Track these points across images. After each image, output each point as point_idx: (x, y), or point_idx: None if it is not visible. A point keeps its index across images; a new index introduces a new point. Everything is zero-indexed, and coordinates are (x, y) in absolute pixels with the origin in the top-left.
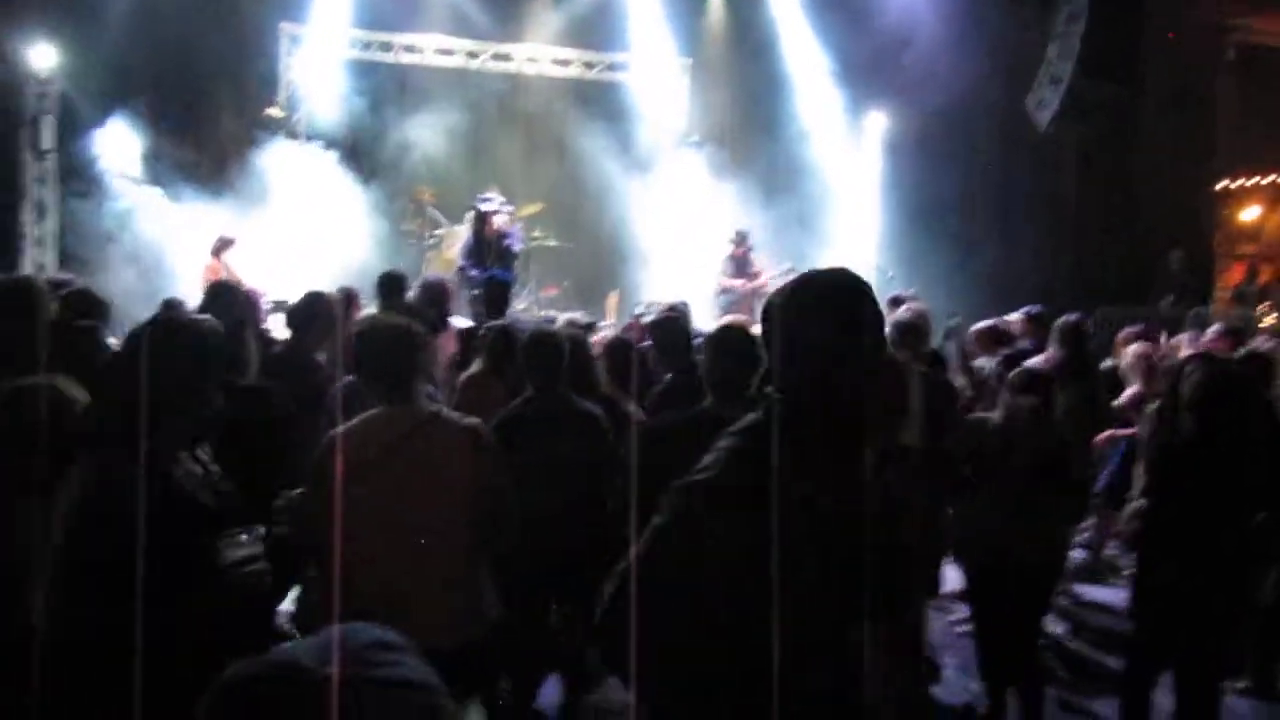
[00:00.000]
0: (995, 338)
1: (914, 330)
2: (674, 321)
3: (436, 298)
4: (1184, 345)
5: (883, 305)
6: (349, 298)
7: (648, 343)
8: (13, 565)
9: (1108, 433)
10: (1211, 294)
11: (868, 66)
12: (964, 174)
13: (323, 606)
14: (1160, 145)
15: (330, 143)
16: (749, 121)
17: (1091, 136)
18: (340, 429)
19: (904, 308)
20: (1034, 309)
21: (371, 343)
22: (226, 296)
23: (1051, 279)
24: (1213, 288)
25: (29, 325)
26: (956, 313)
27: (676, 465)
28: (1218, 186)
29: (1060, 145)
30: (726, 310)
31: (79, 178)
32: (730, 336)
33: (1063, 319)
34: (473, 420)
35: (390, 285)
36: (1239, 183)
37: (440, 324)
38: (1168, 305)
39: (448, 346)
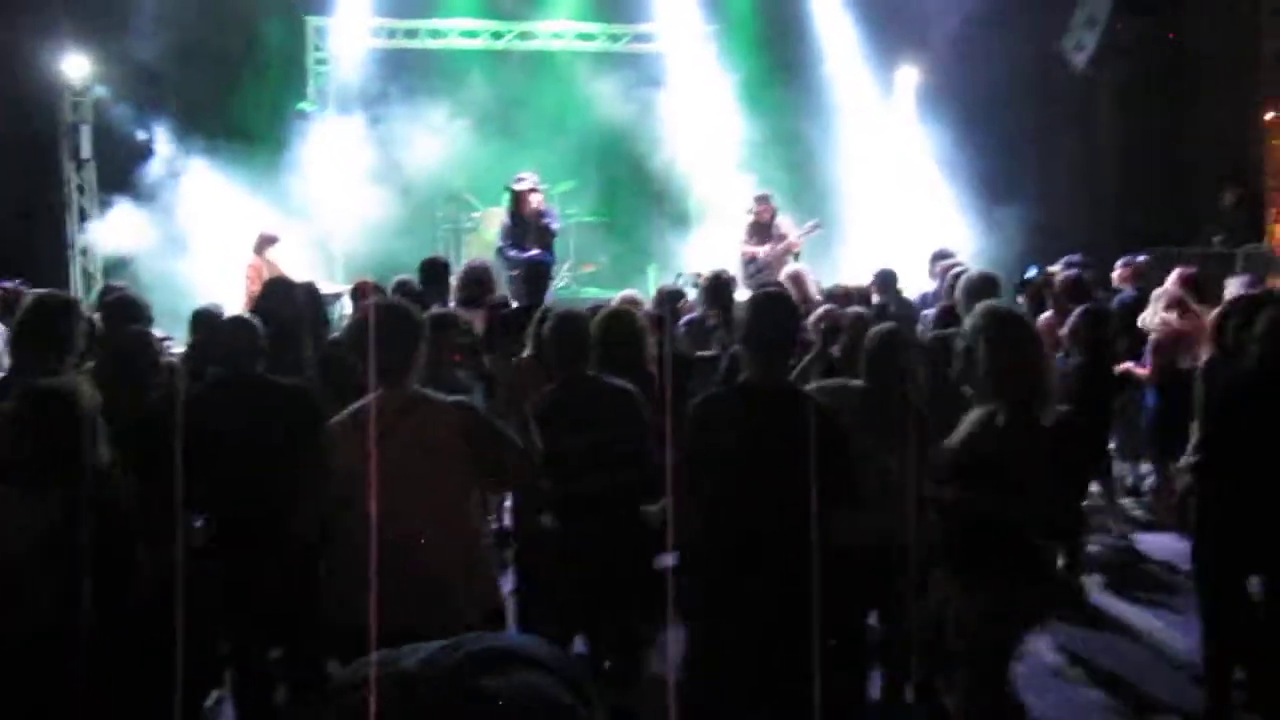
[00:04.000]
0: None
1: (994, 287)
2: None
3: (479, 281)
4: (1233, 287)
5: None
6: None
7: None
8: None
9: (1125, 365)
10: (1264, 230)
11: (897, 17)
12: (1000, 121)
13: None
14: (1204, 80)
15: (361, 133)
16: (776, 81)
17: (1131, 76)
18: (334, 419)
19: (955, 264)
20: (1073, 259)
21: (370, 328)
22: (281, 294)
23: (1096, 224)
24: (1265, 223)
25: (63, 333)
26: (1036, 265)
27: (722, 437)
28: (1267, 118)
29: (1099, 87)
30: (753, 278)
31: (118, 183)
32: (767, 305)
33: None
34: (458, 398)
35: (433, 272)
36: None
37: (482, 305)
38: (1219, 243)
39: (478, 327)
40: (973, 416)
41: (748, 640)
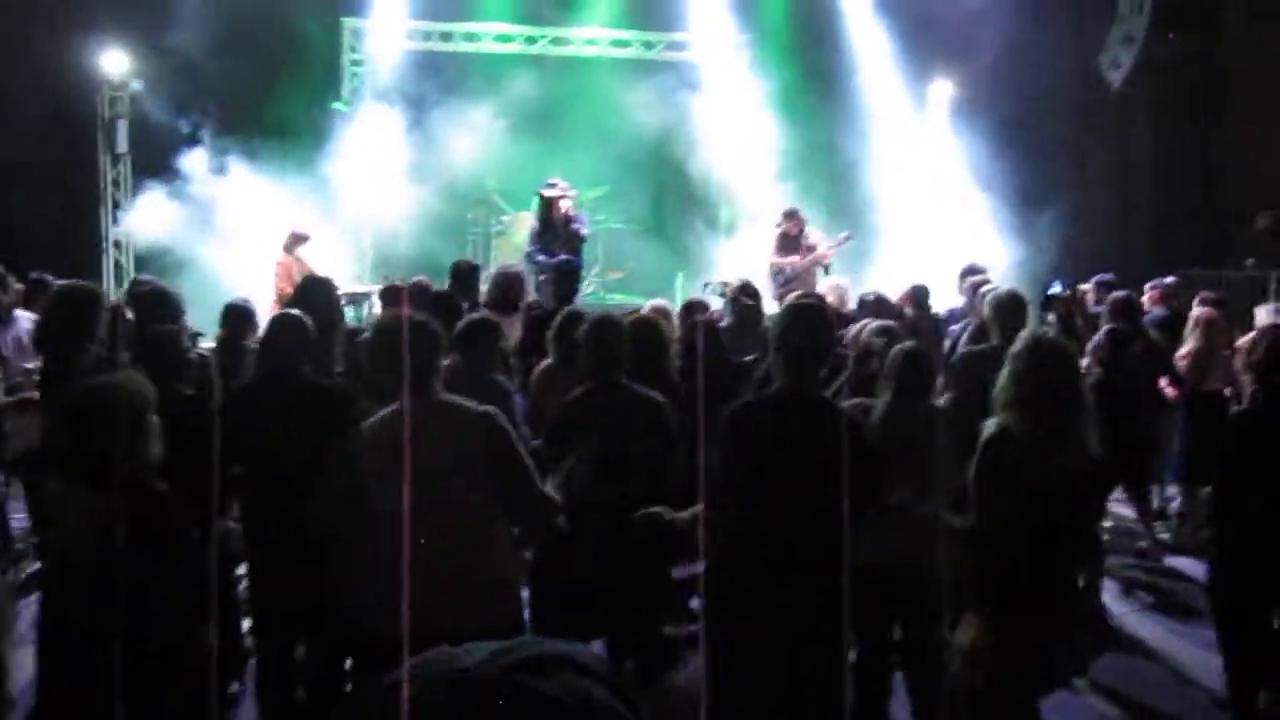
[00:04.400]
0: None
1: (1022, 306)
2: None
3: (509, 286)
4: (1263, 315)
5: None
6: (420, 290)
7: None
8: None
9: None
10: None
11: (932, 31)
12: (1033, 137)
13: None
14: (1239, 100)
15: (394, 134)
16: (809, 91)
17: (1166, 95)
18: (365, 423)
19: (984, 280)
20: (1105, 277)
21: (385, 340)
22: (317, 292)
23: (1127, 243)
24: None
25: (88, 328)
26: (1060, 279)
27: (754, 446)
28: None
29: (1135, 105)
30: (781, 288)
31: (154, 179)
32: (801, 315)
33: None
34: (483, 408)
35: (462, 275)
36: None
37: (511, 310)
38: (1251, 267)
39: (513, 333)
40: (989, 436)
41: (775, 650)
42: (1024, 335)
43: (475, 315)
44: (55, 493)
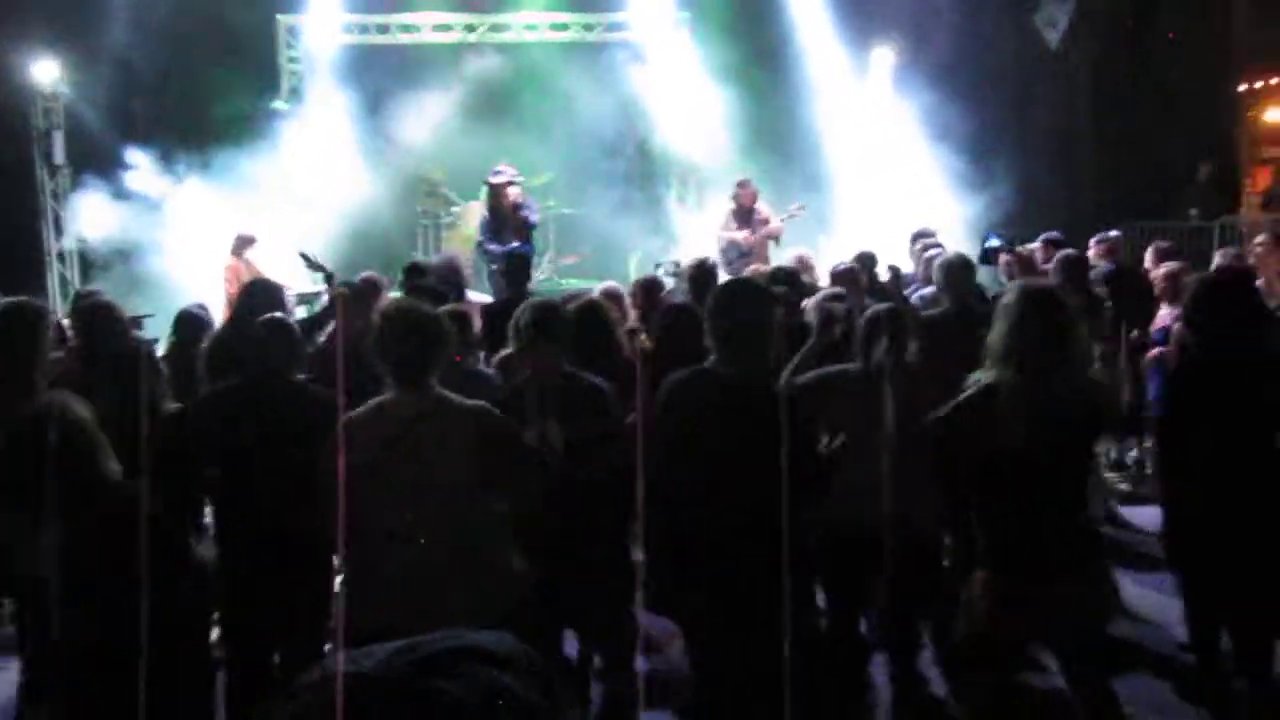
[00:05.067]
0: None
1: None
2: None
3: (450, 275)
4: (1218, 259)
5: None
6: (374, 286)
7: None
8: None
9: (1154, 351)
10: (1240, 201)
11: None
12: (975, 98)
13: (347, 590)
14: (1176, 53)
15: (336, 130)
16: (751, 65)
17: (1103, 51)
18: (348, 416)
19: (933, 244)
20: (1052, 235)
21: (392, 327)
22: (263, 295)
23: (1072, 199)
24: (1240, 195)
25: (31, 346)
26: (995, 233)
27: (686, 422)
28: (1239, 89)
29: (1073, 63)
30: (733, 263)
31: (92, 188)
32: (731, 292)
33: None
34: (476, 401)
35: (413, 275)
36: (1260, 83)
37: (459, 300)
38: (1195, 218)
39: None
40: (979, 391)
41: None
42: (1012, 286)
43: (449, 306)
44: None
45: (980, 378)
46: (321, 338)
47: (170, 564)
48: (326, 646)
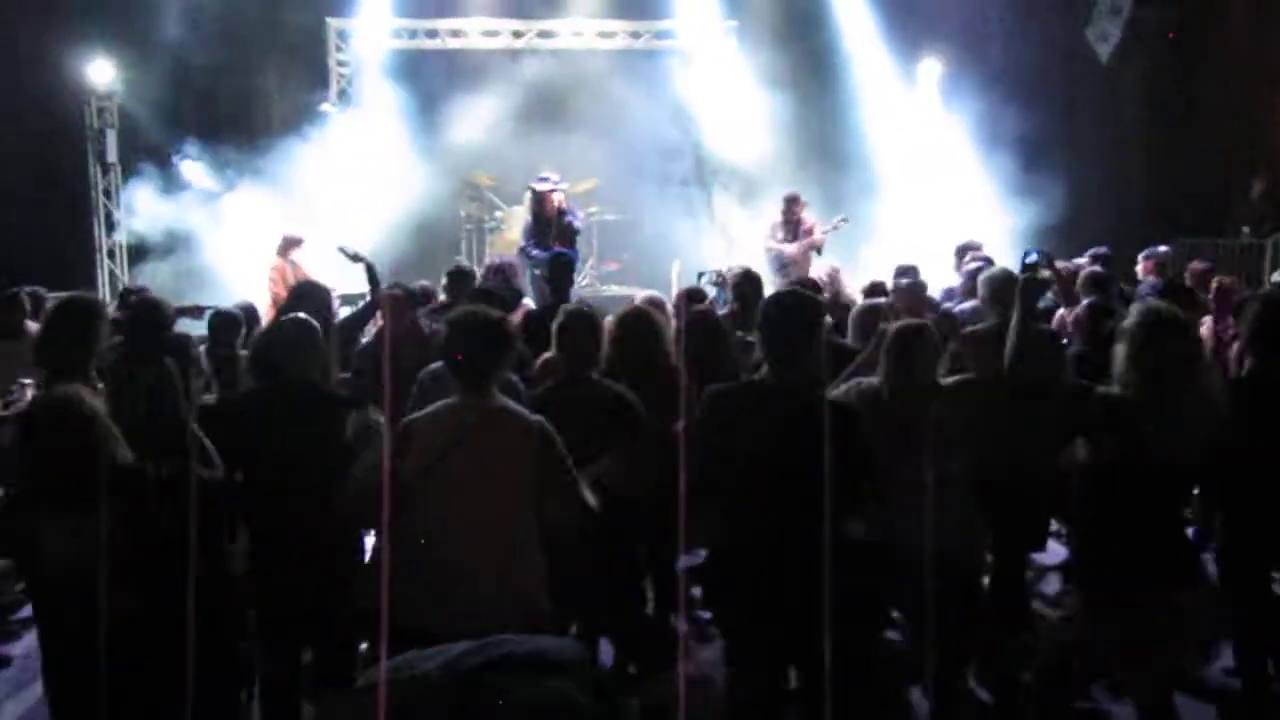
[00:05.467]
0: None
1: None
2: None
3: (505, 278)
4: (1277, 276)
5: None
6: (424, 294)
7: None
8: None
9: None
10: None
11: (919, 8)
12: (1024, 113)
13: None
14: (1229, 68)
15: (384, 134)
16: (799, 74)
17: (1155, 66)
18: (411, 418)
19: (978, 257)
20: (1099, 250)
21: (462, 331)
22: (311, 297)
23: (1121, 215)
24: None
25: (84, 339)
26: (1034, 250)
27: (734, 432)
28: None
29: (1124, 76)
30: (778, 273)
31: (143, 187)
32: (780, 301)
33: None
34: (537, 418)
35: (458, 279)
36: None
37: (514, 303)
38: (1246, 235)
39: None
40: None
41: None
42: (1136, 308)
43: None
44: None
45: (1106, 391)
46: (366, 338)
47: (199, 557)
48: (362, 646)
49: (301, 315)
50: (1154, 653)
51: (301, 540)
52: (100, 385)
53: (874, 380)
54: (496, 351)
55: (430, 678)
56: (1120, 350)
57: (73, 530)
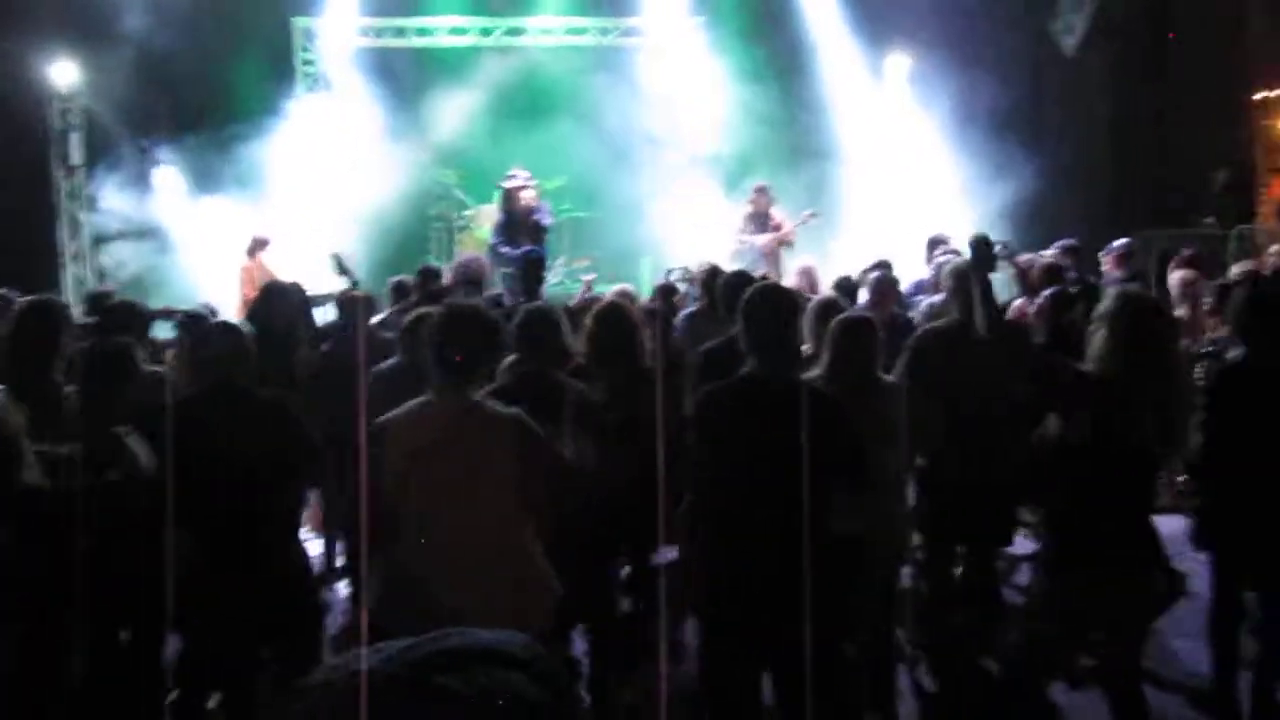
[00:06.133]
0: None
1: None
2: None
3: (473, 276)
4: (1236, 269)
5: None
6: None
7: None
8: None
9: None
10: (1254, 211)
11: (885, 6)
12: (992, 105)
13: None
14: (1192, 61)
15: (351, 132)
16: (767, 71)
17: (1119, 58)
18: (387, 418)
19: (949, 250)
20: (1068, 242)
21: (451, 327)
22: (279, 298)
23: (1087, 206)
24: (1255, 204)
25: (50, 342)
26: (1005, 242)
27: (727, 427)
28: (1255, 98)
29: (1089, 68)
30: (748, 268)
31: (106, 188)
32: (766, 296)
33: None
34: (513, 410)
35: (428, 278)
36: (1277, 91)
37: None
38: (1210, 225)
39: None
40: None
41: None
42: (1113, 293)
43: None
44: None
45: (1082, 368)
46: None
47: (130, 565)
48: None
49: (227, 320)
50: (1118, 634)
51: (238, 547)
52: (68, 389)
53: (816, 373)
54: (490, 347)
55: (375, 672)
56: (1098, 332)
57: None
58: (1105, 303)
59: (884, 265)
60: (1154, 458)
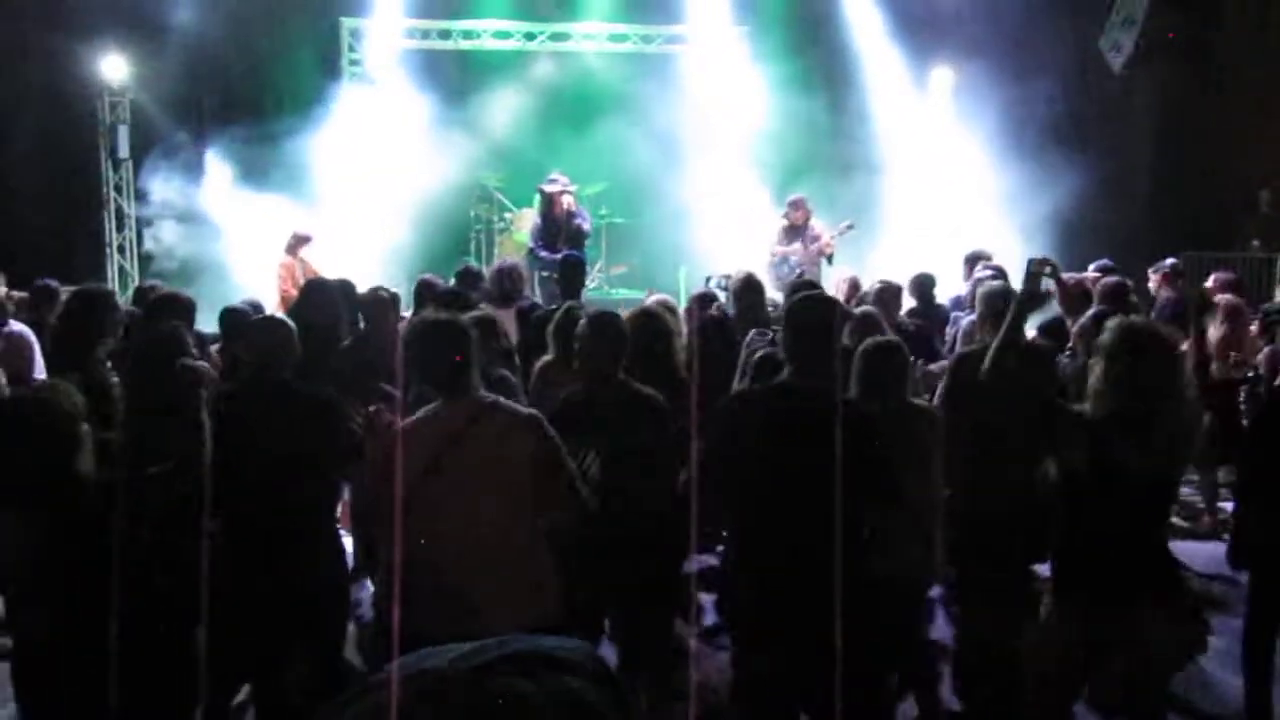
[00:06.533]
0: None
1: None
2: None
3: (508, 281)
4: None
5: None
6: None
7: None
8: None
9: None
10: None
11: (931, 17)
12: (1035, 121)
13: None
14: (1242, 80)
15: (395, 133)
16: (810, 81)
17: (1168, 76)
18: (403, 424)
19: (990, 267)
20: (1103, 263)
21: (419, 342)
22: (320, 295)
23: (1130, 226)
24: None
25: (95, 330)
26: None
27: (754, 436)
28: None
29: (1136, 87)
30: (783, 279)
31: (154, 182)
32: (812, 303)
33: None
34: (529, 410)
35: (465, 279)
36: None
37: (508, 303)
38: (1256, 249)
39: (509, 329)
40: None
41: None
42: (1113, 324)
43: (476, 313)
44: None
45: (1076, 410)
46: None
47: (157, 562)
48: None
49: (274, 314)
50: (1132, 668)
51: (275, 540)
52: (114, 377)
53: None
54: (455, 349)
55: (441, 671)
56: (1096, 366)
57: (17, 533)
58: (1103, 335)
59: (926, 278)
60: (1160, 490)
